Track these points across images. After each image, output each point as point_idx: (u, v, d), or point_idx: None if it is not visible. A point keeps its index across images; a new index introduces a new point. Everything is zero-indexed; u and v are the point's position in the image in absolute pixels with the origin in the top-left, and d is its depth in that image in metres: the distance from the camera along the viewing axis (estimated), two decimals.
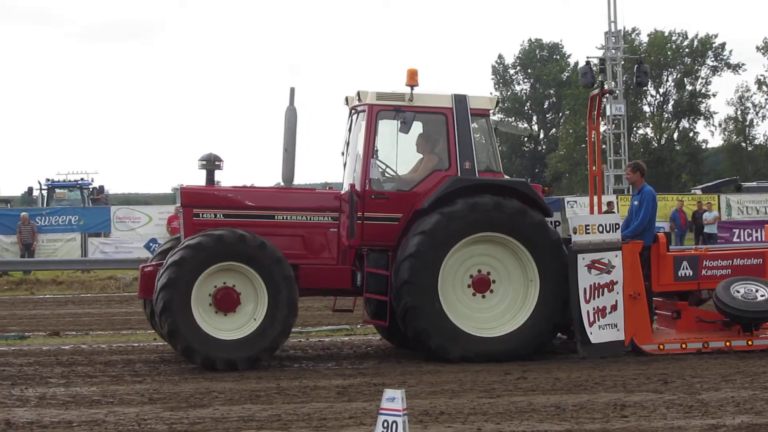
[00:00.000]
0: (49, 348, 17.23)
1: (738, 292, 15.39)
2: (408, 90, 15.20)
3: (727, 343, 15.32)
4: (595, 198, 16.92)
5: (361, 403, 11.98)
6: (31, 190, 44.71)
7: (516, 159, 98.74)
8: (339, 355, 16.15)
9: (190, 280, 14.15)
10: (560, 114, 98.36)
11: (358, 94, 15.51)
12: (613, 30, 57.08)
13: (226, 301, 14.41)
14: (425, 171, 15.45)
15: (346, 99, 16.04)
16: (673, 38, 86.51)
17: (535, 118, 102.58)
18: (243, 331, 14.38)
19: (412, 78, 15.13)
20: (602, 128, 78.52)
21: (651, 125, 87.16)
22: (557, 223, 15.76)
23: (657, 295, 16.18)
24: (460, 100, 15.32)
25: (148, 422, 10.94)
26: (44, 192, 43.68)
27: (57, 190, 44.25)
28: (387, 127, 15.41)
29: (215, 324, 14.38)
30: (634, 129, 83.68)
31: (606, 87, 16.34)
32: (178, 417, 11.21)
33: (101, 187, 45.69)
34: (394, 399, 8.27)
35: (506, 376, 13.66)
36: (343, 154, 16.09)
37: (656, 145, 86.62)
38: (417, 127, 15.71)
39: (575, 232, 14.96)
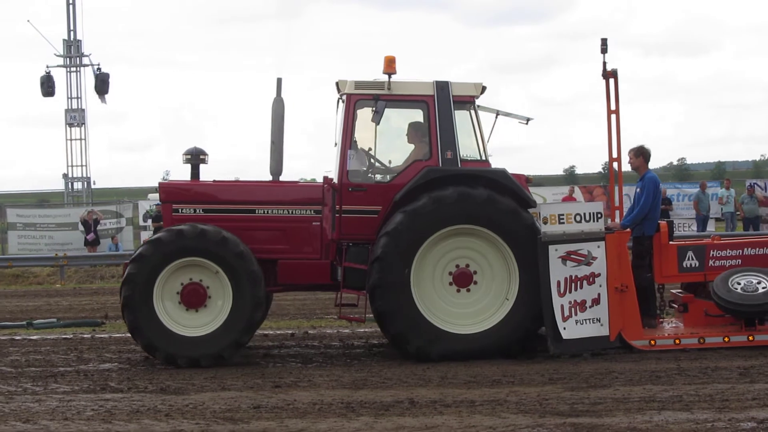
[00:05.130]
0: None
1: (738, 284, 14.49)
2: (386, 78, 14.78)
3: (726, 338, 14.49)
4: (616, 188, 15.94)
5: (763, 384, 11.91)
6: None
7: None
8: None
9: (150, 276, 14.17)
10: None
11: (338, 83, 15.18)
12: None
13: (192, 297, 14.35)
14: (407, 162, 15.06)
15: (337, 85, 15.50)
16: None
17: None
18: (208, 328, 14.29)
19: (390, 65, 14.67)
20: None
21: None
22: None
23: (687, 287, 15.53)
24: (442, 87, 14.80)
25: (550, 402, 11.14)
26: None
27: None
28: (367, 117, 14.96)
29: (182, 321, 14.33)
30: None
31: (609, 69, 15.18)
32: (579, 397, 11.39)
33: None
34: None
35: None
36: (336, 144, 15.68)
37: None
38: (408, 117, 15.34)
39: (546, 222, 14.32)
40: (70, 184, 47.10)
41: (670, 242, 15.27)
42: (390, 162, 15.32)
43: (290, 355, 15.52)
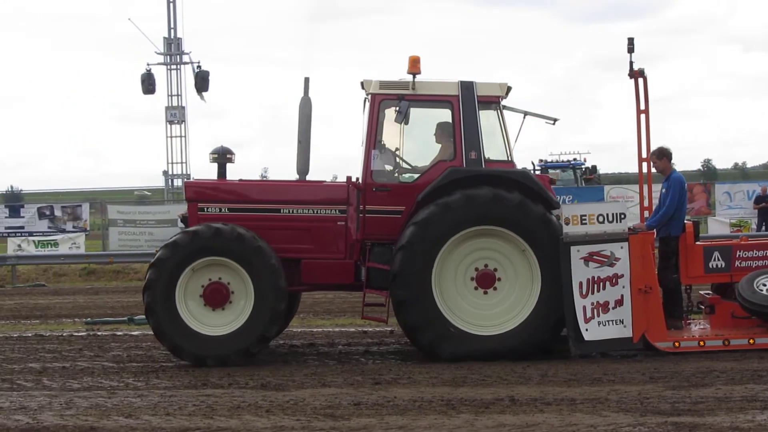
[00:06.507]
0: None
1: (764, 285, 14.25)
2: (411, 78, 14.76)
3: (751, 341, 14.24)
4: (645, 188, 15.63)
5: None
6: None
7: None
8: None
9: (170, 280, 14.33)
10: None
11: (362, 83, 15.17)
12: None
13: (215, 297, 14.46)
14: (433, 162, 15.02)
15: (362, 85, 15.46)
16: None
17: None
18: (233, 326, 14.37)
19: (414, 65, 14.65)
20: None
21: None
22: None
23: (716, 288, 15.29)
24: (467, 87, 14.76)
25: (651, 401, 11.15)
26: (538, 172, 43.21)
27: (550, 171, 42.90)
28: (393, 117, 14.91)
29: (207, 320, 14.44)
30: None
31: (636, 68, 15.01)
32: (680, 396, 11.37)
33: (594, 167, 45.43)
34: None
35: None
36: (361, 144, 15.58)
37: None
38: (439, 117, 15.23)
39: (567, 223, 14.19)
40: (170, 180, 47.62)
41: (696, 243, 15.09)
42: (424, 161, 15.24)
43: (389, 352, 15.68)
